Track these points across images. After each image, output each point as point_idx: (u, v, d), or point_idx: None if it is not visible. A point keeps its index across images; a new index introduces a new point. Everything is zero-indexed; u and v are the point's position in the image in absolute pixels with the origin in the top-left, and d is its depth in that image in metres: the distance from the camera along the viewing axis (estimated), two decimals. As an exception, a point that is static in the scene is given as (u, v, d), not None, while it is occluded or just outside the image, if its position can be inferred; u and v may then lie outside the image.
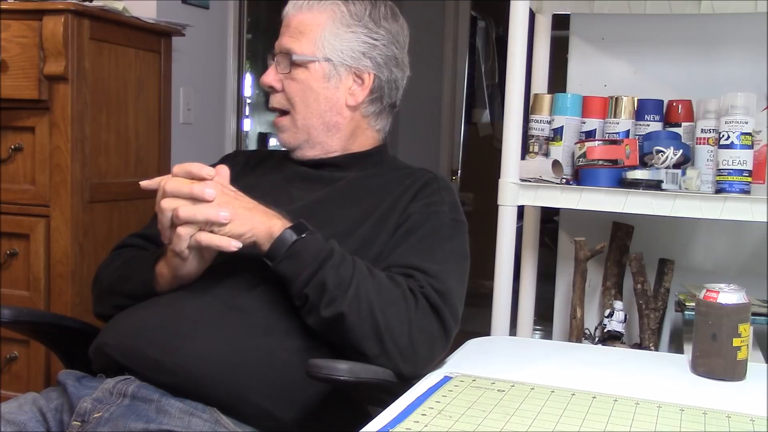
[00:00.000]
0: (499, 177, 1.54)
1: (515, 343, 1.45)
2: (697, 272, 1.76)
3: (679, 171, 1.51)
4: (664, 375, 1.16)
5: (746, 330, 1.12)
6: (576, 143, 1.59)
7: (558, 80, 1.91)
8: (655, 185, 1.49)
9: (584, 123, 1.63)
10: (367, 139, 1.40)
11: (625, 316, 1.64)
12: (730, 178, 1.44)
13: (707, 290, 1.13)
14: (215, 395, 1.12)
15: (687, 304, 1.53)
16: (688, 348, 1.23)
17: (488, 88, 5.10)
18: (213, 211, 1.10)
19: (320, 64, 1.32)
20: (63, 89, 1.86)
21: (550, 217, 2.21)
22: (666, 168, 1.50)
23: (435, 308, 1.16)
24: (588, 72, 1.84)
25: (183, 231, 1.11)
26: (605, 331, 1.63)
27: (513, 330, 1.69)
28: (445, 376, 1.06)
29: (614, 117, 1.61)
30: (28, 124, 1.89)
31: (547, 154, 1.63)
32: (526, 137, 1.64)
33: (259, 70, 3.31)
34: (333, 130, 1.36)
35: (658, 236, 1.78)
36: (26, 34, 1.85)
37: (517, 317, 1.80)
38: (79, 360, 1.30)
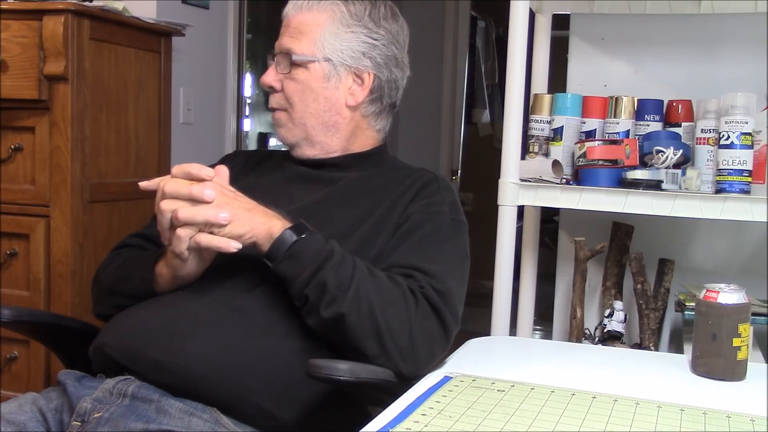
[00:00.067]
0: (499, 177, 1.54)
1: (515, 343, 1.45)
2: (697, 272, 1.76)
3: (679, 171, 1.51)
4: (664, 375, 1.16)
5: (746, 330, 1.12)
6: (576, 143, 1.59)
7: (558, 80, 1.91)
8: (655, 185, 1.49)
9: (584, 123, 1.63)
10: (367, 139, 1.40)
11: (625, 316, 1.64)
12: (730, 178, 1.44)
13: (707, 290, 1.13)
14: (215, 395, 1.12)
15: (687, 304, 1.53)
16: (688, 348, 1.23)
17: (488, 88, 5.10)
18: (212, 212, 1.10)
19: (320, 64, 1.32)
20: (63, 89, 1.86)
21: (550, 217, 2.21)
22: (666, 168, 1.50)
23: (435, 308, 1.16)
24: (588, 72, 1.84)
25: (182, 232, 1.11)
26: (605, 331, 1.63)
27: (513, 330, 1.69)
28: (445, 376, 1.06)
29: (614, 117, 1.61)
30: (28, 124, 1.89)
31: (547, 154, 1.63)
32: (526, 137, 1.64)
33: (259, 70, 3.31)
34: (332, 130, 1.36)
35: (658, 236, 1.78)
36: (26, 34, 1.85)
37: (517, 317, 1.80)
38: (79, 360, 1.30)
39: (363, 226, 1.26)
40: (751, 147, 1.44)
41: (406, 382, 1.08)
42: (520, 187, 1.53)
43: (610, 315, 1.63)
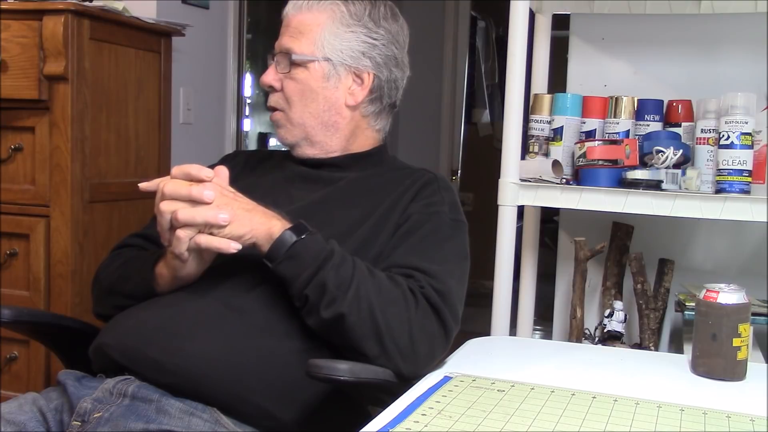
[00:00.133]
0: (499, 177, 1.54)
1: (515, 343, 1.45)
2: (697, 272, 1.76)
3: (679, 171, 1.51)
4: (664, 375, 1.16)
5: (746, 330, 1.12)
6: (576, 143, 1.59)
7: (558, 80, 1.91)
8: (655, 185, 1.49)
9: (584, 123, 1.63)
10: (366, 139, 1.40)
11: (625, 316, 1.64)
12: (730, 178, 1.44)
13: (707, 290, 1.13)
14: (215, 395, 1.12)
15: (687, 304, 1.53)
16: (688, 348, 1.23)
17: (488, 88, 5.10)
18: (212, 213, 1.10)
19: (320, 63, 1.32)
20: (63, 89, 1.86)
21: (550, 217, 2.21)
22: (666, 168, 1.50)
23: (435, 308, 1.16)
24: (588, 72, 1.84)
25: (182, 233, 1.11)
26: (605, 331, 1.63)
27: (513, 330, 1.69)
28: (445, 376, 1.06)
29: (614, 117, 1.61)
30: (28, 124, 1.89)
31: (547, 154, 1.63)
32: (526, 137, 1.64)
33: (259, 70, 3.31)
34: (332, 130, 1.36)
35: (658, 236, 1.78)
36: (26, 34, 1.85)
37: (517, 317, 1.80)
38: (79, 360, 1.30)
39: (363, 226, 1.26)
40: (751, 147, 1.44)
41: (406, 382, 1.08)
42: (520, 187, 1.53)
43: (610, 315, 1.63)
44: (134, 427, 1.07)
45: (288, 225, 1.14)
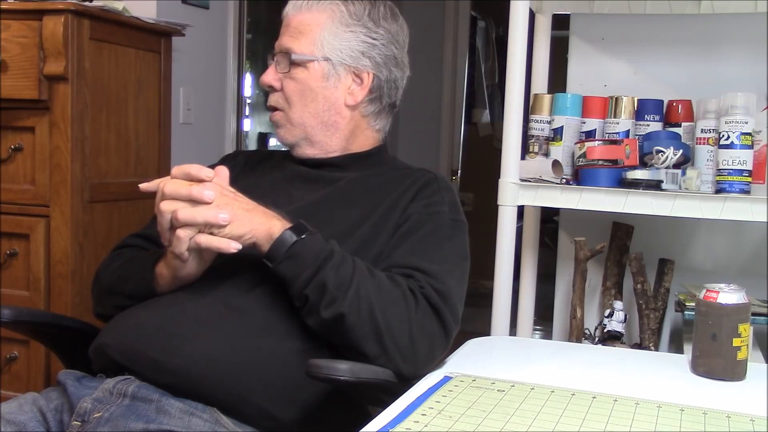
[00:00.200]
0: (499, 177, 1.54)
1: (515, 343, 1.45)
2: (697, 272, 1.76)
3: (679, 171, 1.51)
4: (664, 375, 1.16)
5: (746, 330, 1.12)
6: (576, 143, 1.59)
7: (558, 80, 1.91)
8: (655, 185, 1.49)
9: (584, 123, 1.63)
10: (366, 139, 1.40)
11: (625, 316, 1.64)
12: (730, 178, 1.44)
13: (707, 290, 1.13)
14: (215, 395, 1.12)
15: (687, 304, 1.53)
16: (688, 348, 1.23)
17: (488, 88, 5.10)
18: (212, 213, 1.10)
19: (319, 63, 1.32)
20: (63, 89, 1.86)
21: (550, 217, 2.21)
22: (666, 168, 1.50)
23: (435, 308, 1.16)
24: (588, 72, 1.84)
25: (182, 233, 1.11)
26: (605, 331, 1.63)
27: (513, 330, 1.69)
28: (445, 376, 1.06)
29: (614, 117, 1.61)
30: (28, 124, 1.89)
31: (547, 154, 1.63)
32: (526, 137, 1.64)
33: (259, 70, 3.31)
34: (332, 130, 1.36)
35: (658, 236, 1.78)
36: (26, 34, 1.85)
37: (517, 317, 1.80)
38: (79, 360, 1.30)
39: (363, 226, 1.26)
40: (751, 147, 1.44)
41: (406, 382, 1.08)
42: (520, 187, 1.53)
43: (610, 315, 1.63)
44: (134, 427, 1.07)
45: (288, 225, 1.14)
